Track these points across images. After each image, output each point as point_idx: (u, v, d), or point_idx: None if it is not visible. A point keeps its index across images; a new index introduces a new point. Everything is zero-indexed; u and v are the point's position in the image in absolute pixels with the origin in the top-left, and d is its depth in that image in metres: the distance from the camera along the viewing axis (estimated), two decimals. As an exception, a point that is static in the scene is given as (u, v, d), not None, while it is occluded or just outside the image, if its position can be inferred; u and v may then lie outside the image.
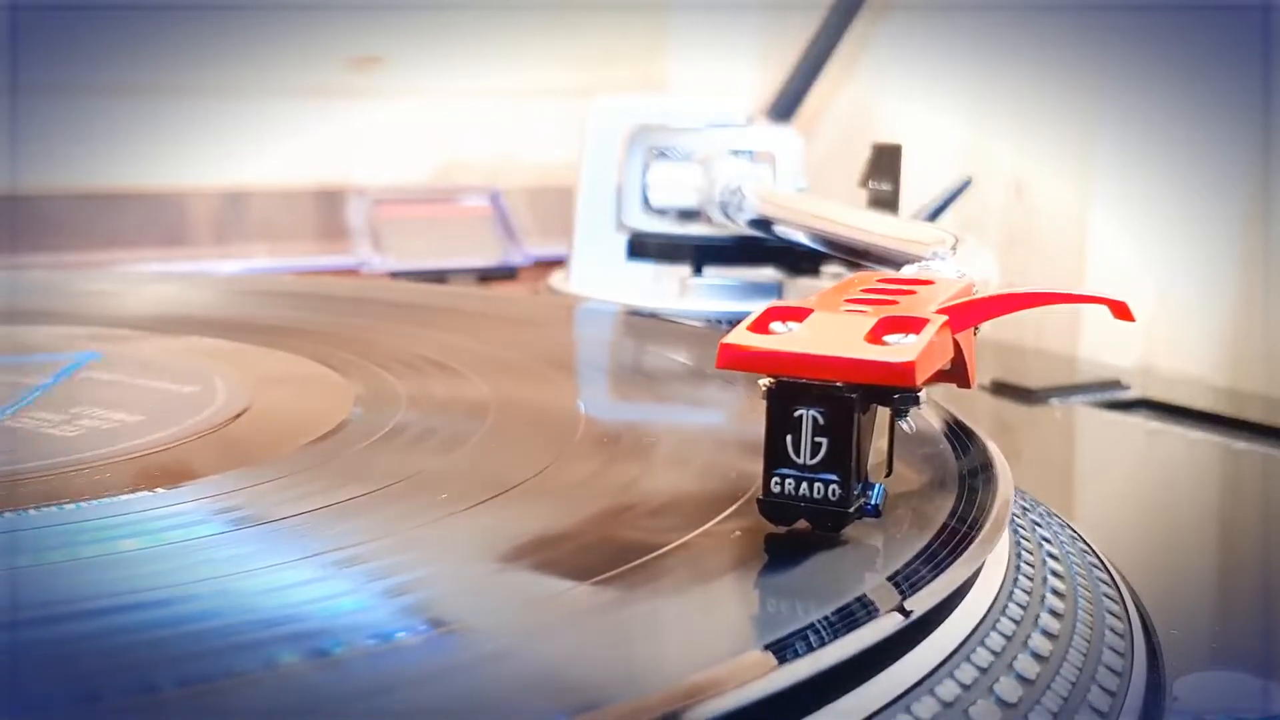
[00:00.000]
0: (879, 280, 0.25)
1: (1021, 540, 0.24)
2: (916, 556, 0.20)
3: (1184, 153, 0.53)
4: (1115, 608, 0.23)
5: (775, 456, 0.21)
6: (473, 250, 0.70)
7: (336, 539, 0.21)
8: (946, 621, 0.19)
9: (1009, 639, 0.20)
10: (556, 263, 0.65)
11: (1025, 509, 0.26)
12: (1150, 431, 0.43)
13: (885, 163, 0.48)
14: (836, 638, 0.17)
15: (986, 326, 0.24)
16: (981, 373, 0.46)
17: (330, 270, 0.67)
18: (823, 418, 0.20)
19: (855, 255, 0.37)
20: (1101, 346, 0.55)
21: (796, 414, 0.20)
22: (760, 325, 0.21)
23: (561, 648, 0.17)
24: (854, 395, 0.20)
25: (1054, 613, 0.21)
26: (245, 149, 0.69)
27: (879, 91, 0.68)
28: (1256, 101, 0.50)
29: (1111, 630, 0.22)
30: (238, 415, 0.29)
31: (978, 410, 0.44)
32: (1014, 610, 0.21)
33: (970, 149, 0.62)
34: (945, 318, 0.21)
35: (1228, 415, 0.43)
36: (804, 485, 0.20)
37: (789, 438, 0.20)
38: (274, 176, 0.70)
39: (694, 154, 0.51)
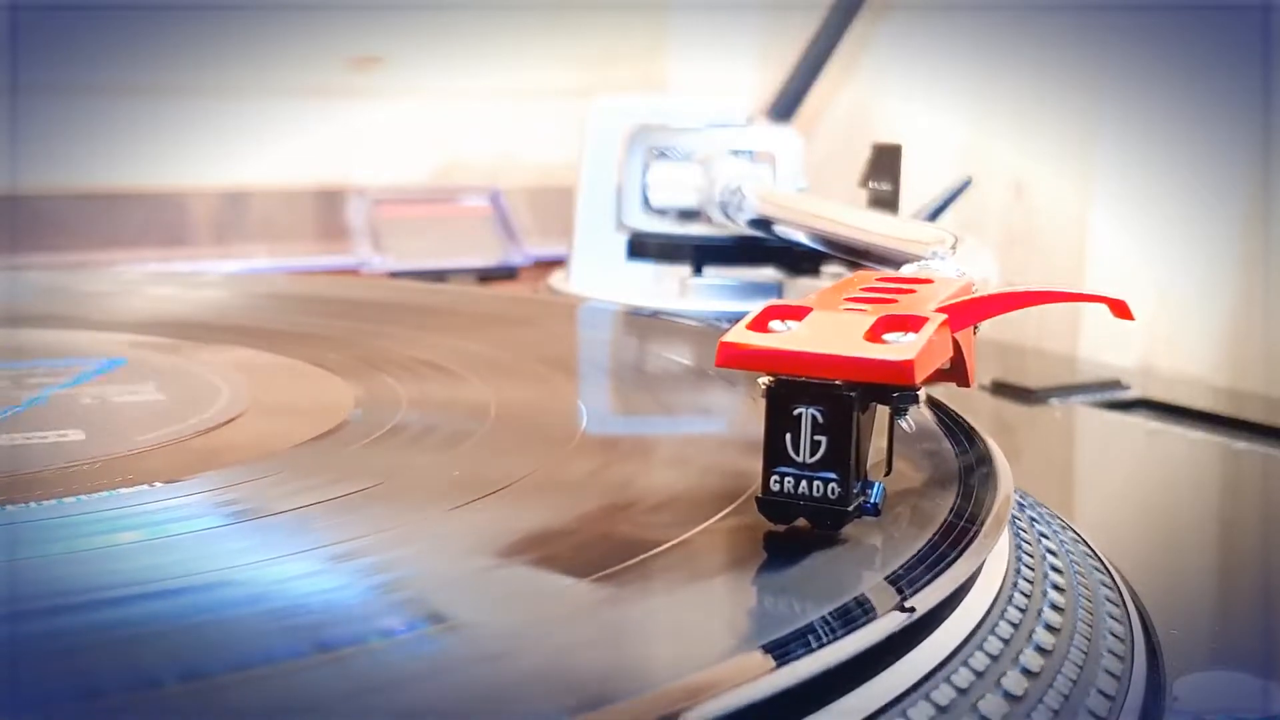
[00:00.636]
0: (878, 279, 0.25)
1: (1021, 540, 0.24)
2: (916, 555, 0.20)
3: (1184, 153, 0.53)
4: (1115, 608, 0.23)
5: (774, 455, 0.20)
6: (473, 250, 0.70)
7: (336, 535, 0.21)
8: (946, 622, 0.19)
9: (1009, 640, 0.20)
10: (556, 263, 0.65)
11: (1025, 508, 0.26)
12: (1150, 431, 0.43)
13: (885, 163, 0.48)
14: (836, 638, 0.17)
15: (986, 326, 0.24)
16: (981, 372, 0.46)
17: (330, 270, 0.67)
18: (822, 416, 0.20)
19: (855, 255, 0.37)
20: (1101, 346, 0.55)
21: (796, 412, 0.20)
22: (759, 324, 0.21)
23: (561, 645, 0.17)
24: (853, 394, 0.20)
25: (1055, 610, 0.21)
26: (245, 149, 0.69)
27: (879, 91, 0.68)
28: (1256, 101, 0.50)
29: (1112, 629, 0.22)
30: (237, 415, 0.29)
31: (978, 410, 0.44)
32: (1014, 611, 0.21)
33: (970, 149, 0.62)
34: (944, 316, 0.21)
35: (1228, 415, 0.43)
36: (803, 484, 0.20)
37: (788, 436, 0.20)
38: (274, 176, 0.70)
39: (694, 154, 0.51)
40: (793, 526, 0.21)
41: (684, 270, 0.52)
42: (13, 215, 0.64)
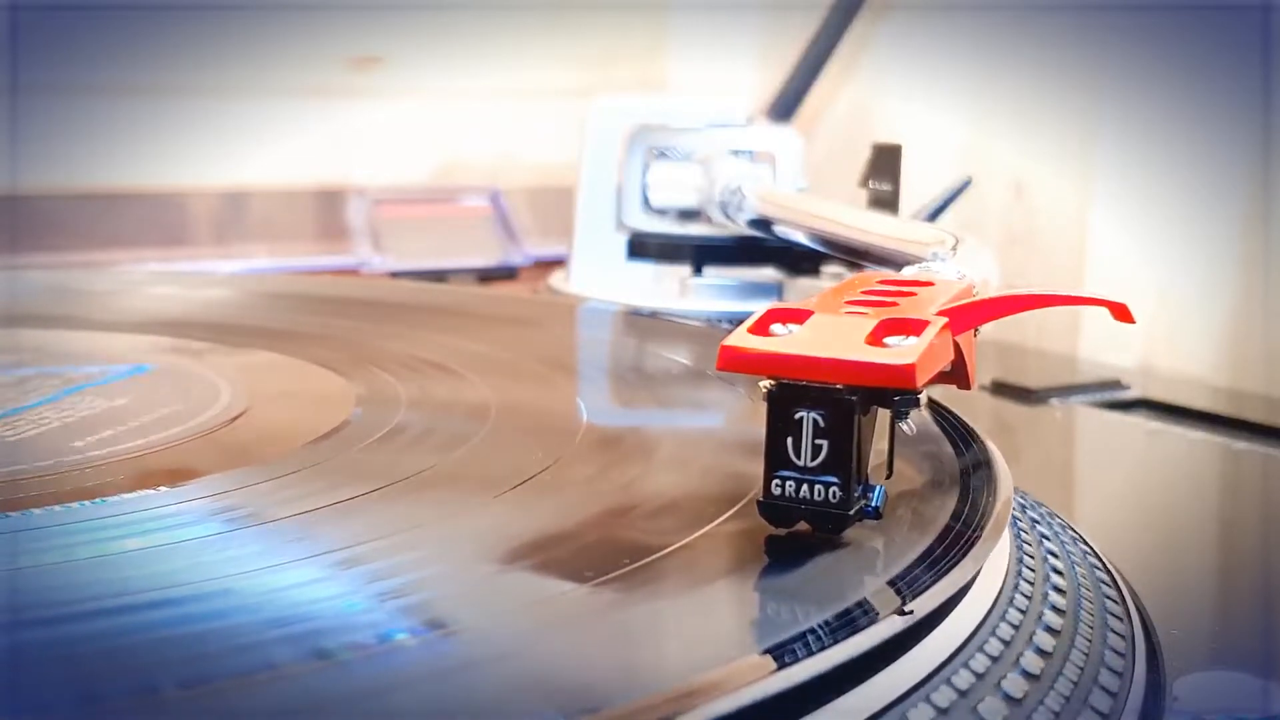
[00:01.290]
0: (879, 281, 0.25)
1: (1022, 541, 0.24)
2: (917, 559, 0.20)
3: (1184, 153, 0.53)
4: (1115, 608, 0.23)
5: (776, 458, 0.20)
6: (473, 250, 0.70)
7: (337, 539, 0.21)
8: (947, 622, 0.19)
9: (1010, 641, 0.20)
10: (556, 263, 0.65)
11: (1025, 509, 0.26)
12: (1150, 431, 0.43)
13: (885, 163, 0.48)
14: (837, 641, 0.17)
15: (987, 327, 0.24)
16: (981, 373, 0.46)
17: (330, 270, 0.67)
18: (823, 420, 0.20)
19: (855, 255, 0.37)
20: (1101, 346, 0.55)
21: (797, 416, 0.20)
22: (760, 327, 0.21)
23: (561, 649, 0.17)
24: (854, 397, 0.20)
25: (1056, 611, 0.21)
26: (245, 149, 0.69)
27: (879, 91, 0.68)
28: (1256, 101, 0.50)
29: (1112, 629, 0.22)
30: (238, 416, 0.29)
31: (978, 410, 0.44)
32: (1015, 611, 0.21)
33: (970, 149, 0.62)
34: (945, 320, 0.21)
35: (1228, 415, 0.43)
36: (804, 487, 0.20)
37: (789, 440, 0.20)
38: (274, 176, 0.70)
39: (694, 154, 0.51)
40: (794, 530, 0.21)
41: (684, 270, 0.52)
42: (13, 215, 0.64)
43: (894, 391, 0.20)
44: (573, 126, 0.62)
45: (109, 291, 0.50)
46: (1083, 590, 0.23)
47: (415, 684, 0.16)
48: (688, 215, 0.51)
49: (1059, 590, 0.22)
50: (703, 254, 0.52)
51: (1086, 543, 0.27)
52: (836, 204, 0.42)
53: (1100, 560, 0.26)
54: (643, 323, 0.45)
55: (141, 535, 0.21)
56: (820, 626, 0.18)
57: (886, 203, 0.47)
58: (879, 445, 0.22)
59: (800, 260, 0.51)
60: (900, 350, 0.20)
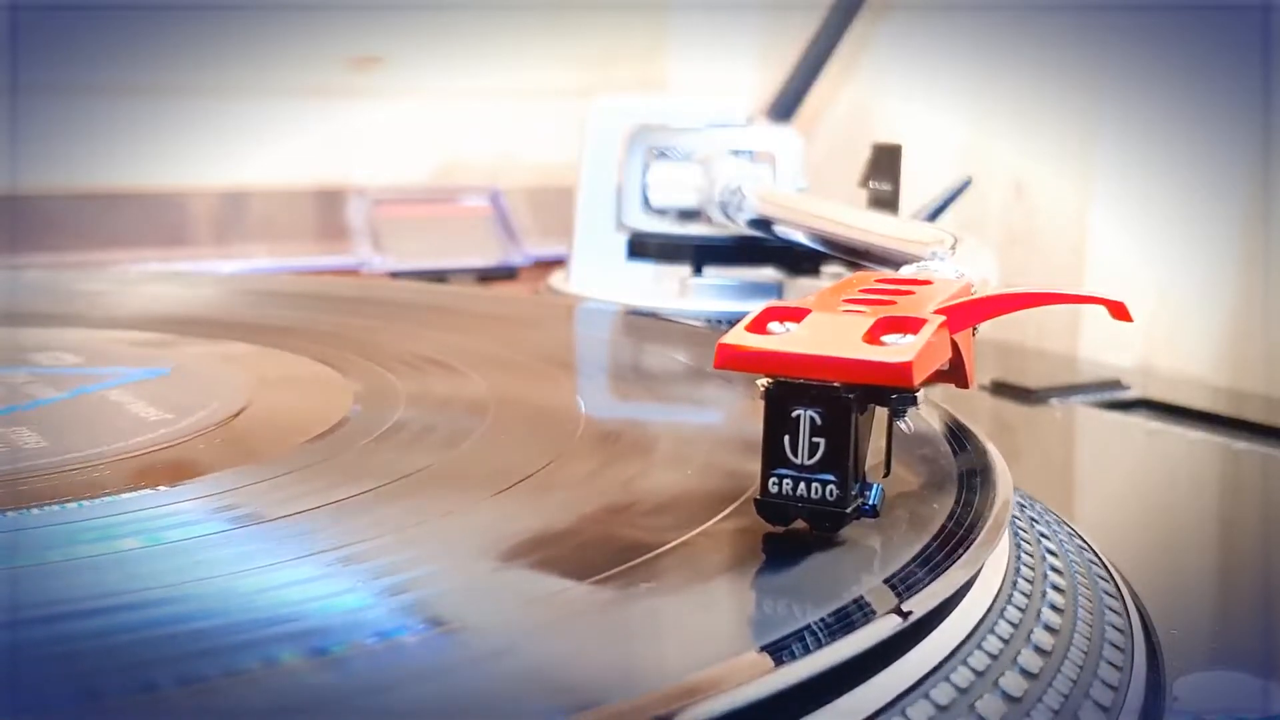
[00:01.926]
0: (877, 280, 0.25)
1: (1021, 541, 0.24)
2: (915, 558, 0.20)
3: (1184, 153, 0.53)
4: (1115, 607, 0.23)
5: (773, 457, 0.20)
6: (473, 250, 0.70)
7: (336, 537, 0.21)
8: (946, 622, 0.19)
9: (1009, 640, 0.20)
10: (556, 263, 0.65)
11: (1025, 509, 0.26)
12: (1150, 431, 0.43)
13: (885, 163, 0.48)
14: (834, 639, 0.17)
15: (986, 326, 0.24)
16: (981, 373, 0.46)
17: (330, 270, 0.67)
18: (820, 418, 0.20)
19: (855, 255, 0.37)
20: (1101, 346, 0.55)
21: (794, 414, 0.20)
22: (758, 325, 0.21)
23: (560, 647, 0.17)
24: (852, 395, 0.20)
25: (1055, 611, 0.21)
26: (245, 149, 0.69)
27: (879, 91, 0.68)
28: (1256, 101, 0.50)
29: (1112, 629, 0.22)
30: (237, 414, 0.29)
31: (978, 410, 0.44)
32: (1014, 610, 0.21)
33: (970, 149, 0.62)
34: (943, 318, 0.21)
35: (1228, 415, 0.43)
36: (802, 485, 0.20)
37: (787, 438, 0.20)
38: (274, 176, 0.70)
39: (694, 154, 0.51)
40: (791, 528, 0.21)
41: (684, 270, 0.52)
42: (13, 215, 0.64)
43: (891, 390, 0.20)
44: (573, 126, 0.62)
45: (108, 291, 0.50)
46: (1082, 590, 0.23)
47: (414, 681, 0.16)
48: (688, 215, 0.51)
49: (1058, 590, 0.22)
50: (703, 254, 0.52)
51: (1086, 543, 0.27)
52: (836, 204, 0.42)
53: (1100, 560, 0.26)
54: (642, 322, 0.45)
55: (140, 534, 0.21)
56: (818, 624, 0.17)
57: (886, 203, 0.47)
58: (877, 444, 0.22)
59: (800, 260, 0.51)
60: (898, 348, 0.20)
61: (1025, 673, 0.19)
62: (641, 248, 0.53)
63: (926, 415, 0.28)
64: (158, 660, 0.16)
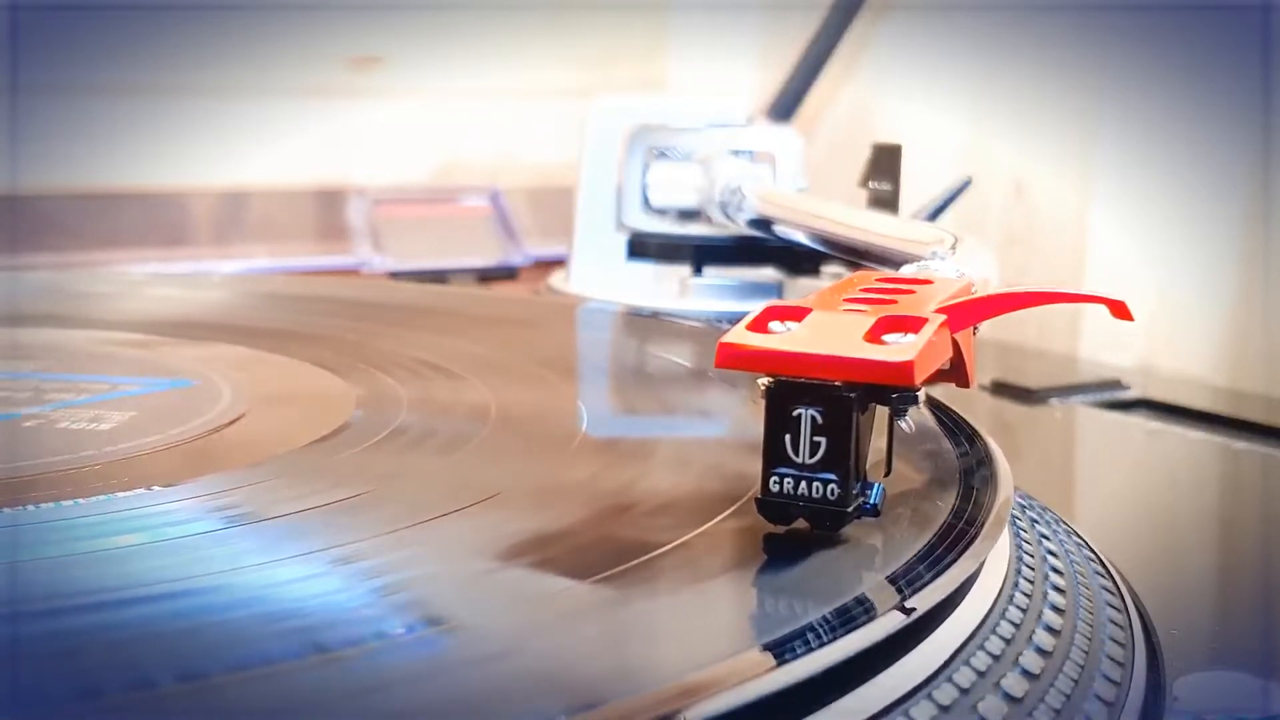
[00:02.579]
0: (878, 280, 0.25)
1: (1021, 540, 0.24)
2: (916, 556, 0.20)
3: (1184, 153, 0.53)
4: (1115, 607, 0.23)
5: (774, 456, 0.20)
6: (473, 250, 0.70)
7: (335, 536, 0.21)
8: (947, 622, 0.19)
9: (1009, 640, 0.20)
10: (556, 263, 0.65)
11: (1025, 509, 0.26)
12: (1150, 431, 0.43)
13: (885, 163, 0.48)
14: (835, 638, 0.17)
15: (986, 326, 0.24)
16: (981, 373, 0.46)
17: (330, 270, 0.67)
18: (821, 417, 0.20)
19: (855, 255, 0.37)
20: (1101, 346, 0.55)
21: (795, 413, 0.20)
22: (759, 325, 0.21)
23: (559, 646, 0.17)
24: (853, 395, 0.20)
25: (1055, 611, 0.21)
26: (245, 149, 0.69)
27: (879, 91, 0.68)
28: (1256, 101, 0.50)
29: (1112, 626, 0.22)
30: (238, 417, 0.29)
31: (978, 410, 0.44)
32: (1014, 611, 0.21)
33: (970, 149, 0.62)
34: (944, 317, 0.21)
35: (1228, 415, 0.43)
36: (803, 484, 0.20)
37: (788, 437, 0.20)
38: (274, 176, 0.70)
39: (694, 154, 0.51)
40: (792, 527, 0.21)
41: (684, 270, 0.52)
42: (13, 215, 0.64)
43: (892, 389, 0.20)
44: (573, 126, 0.62)
45: (108, 292, 0.50)
46: (1082, 590, 0.23)
47: (414, 680, 0.16)
48: (688, 215, 0.51)
49: (1058, 590, 0.22)
50: (703, 254, 0.52)
51: (1086, 542, 0.27)
52: (836, 204, 0.42)
53: (1100, 560, 0.26)
54: (643, 323, 0.45)
55: (140, 532, 0.21)
56: (819, 623, 0.17)
57: (886, 203, 0.47)
58: (877, 443, 0.22)
59: (800, 260, 0.51)
60: (899, 347, 0.20)
61: (1026, 673, 0.19)
62: (641, 248, 0.53)
63: (926, 412, 0.28)
64: (157, 657, 0.16)
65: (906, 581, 0.19)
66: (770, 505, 0.21)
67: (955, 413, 0.29)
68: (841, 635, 0.17)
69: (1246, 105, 0.50)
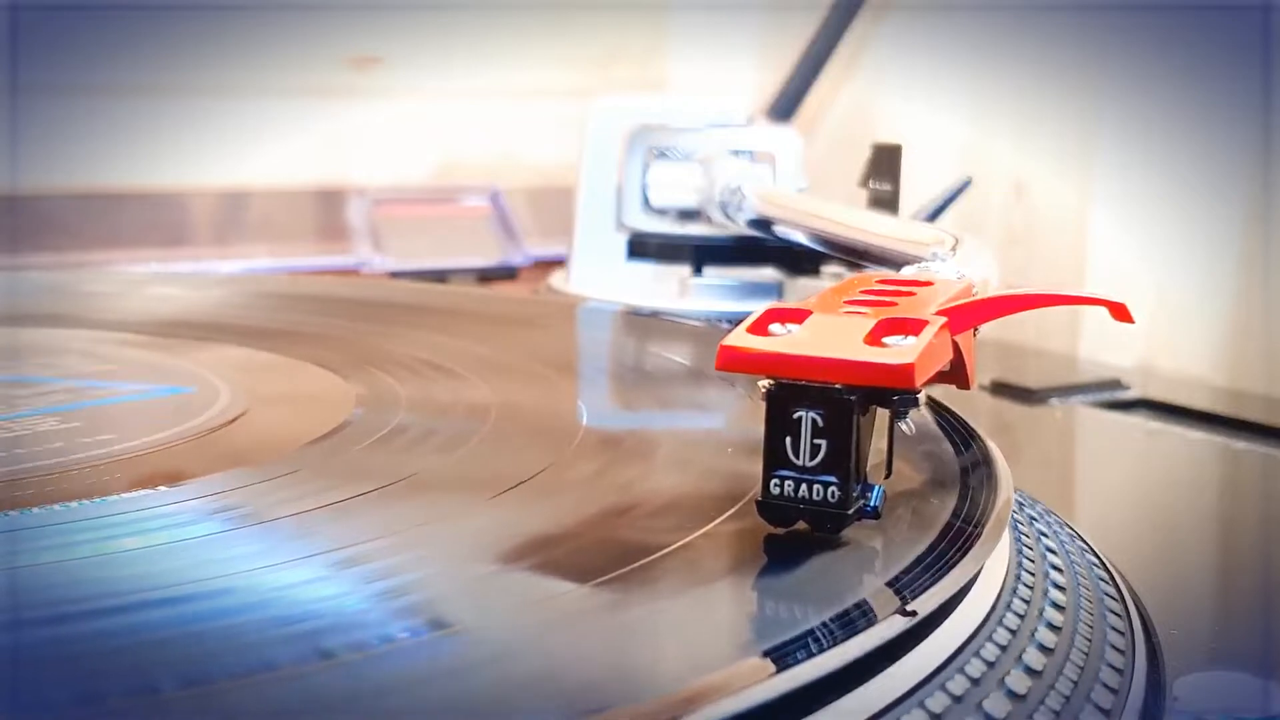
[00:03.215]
0: (878, 281, 0.25)
1: (1022, 541, 0.24)
2: (917, 559, 0.20)
3: (1184, 153, 0.53)
4: (1115, 608, 0.23)
5: (774, 458, 0.20)
6: (473, 250, 0.70)
7: (337, 539, 0.21)
8: (947, 622, 0.19)
9: (1010, 641, 0.20)
10: (556, 263, 0.65)
11: (1025, 509, 0.26)
12: (1150, 431, 0.43)
13: (885, 163, 0.48)
14: (837, 642, 0.17)
15: (986, 326, 0.24)
16: (981, 373, 0.46)
17: (330, 270, 0.67)
18: (822, 419, 0.20)
19: (855, 255, 0.37)
20: (1101, 346, 0.55)
21: (795, 416, 0.20)
22: (759, 327, 0.21)
23: (561, 650, 0.17)
24: (853, 397, 0.20)
25: (1055, 612, 0.21)
26: (245, 149, 0.69)
27: (879, 91, 0.68)
28: (1256, 101, 0.50)
29: (1112, 629, 0.22)
30: (238, 416, 0.29)
31: (978, 410, 0.44)
32: (1014, 612, 0.21)
33: (970, 149, 0.62)
34: (944, 319, 0.21)
35: (1228, 415, 0.43)
36: (803, 487, 0.20)
37: (788, 439, 0.20)
38: (274, 176, 0.70)
39: (694, 154, 0.51)
40: (793, 530, 0.21)
41: (684, 270, 0.52)
42: (13, 215, 0.64)
43: (893, 391, 0.20)
44: (573, 126, 0.62)
45: (109, 292, 0.50)
46: (1082, 590, 0.23)
47: (416, 684, 0.16)
48: (688, 215, 0.51)
49: (1059, 586, 0.22)
50: (703, 254, 0.52)
51: (1086, 543, 0.27)
52: (836, 204, 0.42)
53: (1100, 560, 0.26)
54: (643, 323, 0.45)
55: (141, 535, 0.21)
56: (820, 628, 0.17)
57: (886, 203, 0.47)
58: (878, 445, 0.22)
59: (800, 260, 0.51)
60: (899, 350, 0.20)
61: (1028, 672, 0.19)
62: (641, 248, 0.53)
63: (927, 413, 0.28)
64: (159, 662, 0.16)
65: (907, 585, 0.19)
66: (771, 508, 0.21)
67: (955, 414, 0.29)
68: (842, 640, 0.17)
69: (1246, 105, 0.50)
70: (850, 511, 0.20)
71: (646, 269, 0.53)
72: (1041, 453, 0.42)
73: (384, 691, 0.16)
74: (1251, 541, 0.33)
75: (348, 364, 0.34)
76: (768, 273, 0.52)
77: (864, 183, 0.48)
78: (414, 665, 0.16)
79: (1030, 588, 0.22)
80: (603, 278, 0.57)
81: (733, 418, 0.31)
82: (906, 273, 0.27)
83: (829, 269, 0.51)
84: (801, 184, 0.52)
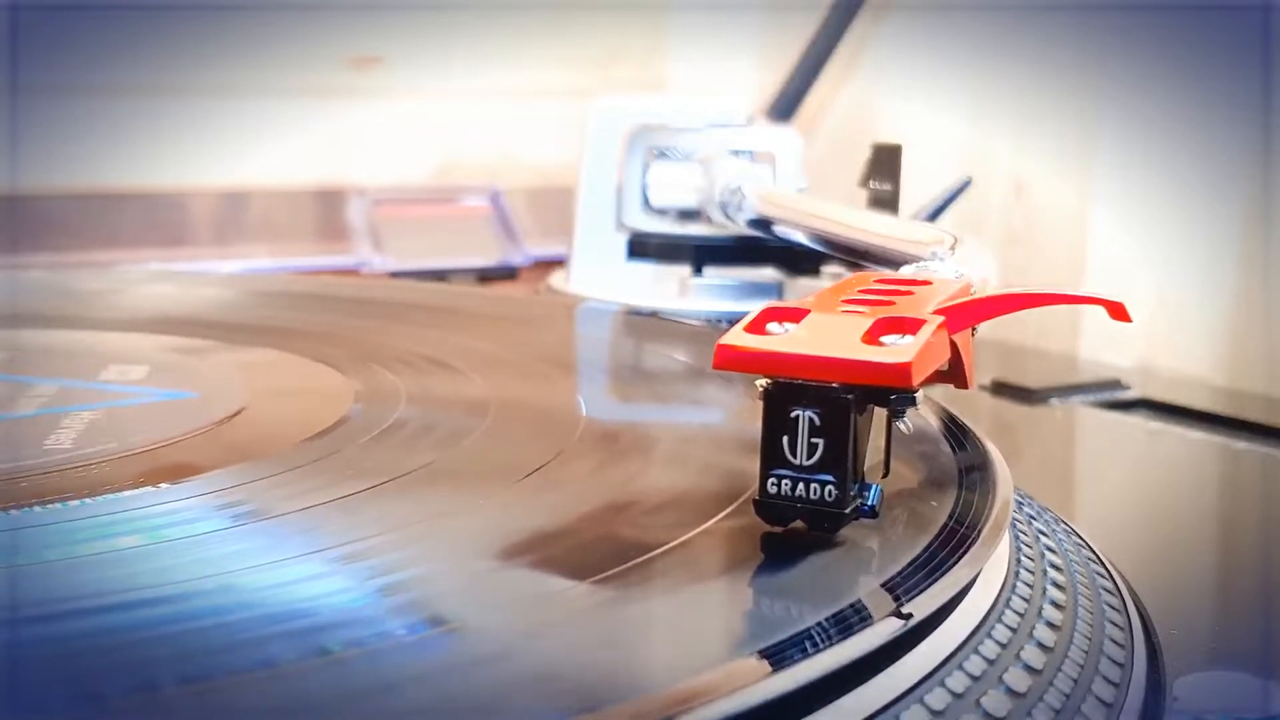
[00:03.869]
0: (876, 281, 0.25)
1: (1021, 541, 0.24)
2: (915, 558, 0.20)
3: (1184, 153, 0.53)
4: (1115, 607, 0.23)
5: (772, 457, 0.20)
6: (473, 250, 0.70)
7: (336, 535, 0.21)
8: (946, 623, 0.19)
9: (1009, 640, 0.20)
10: (556, 263, 0.65)
11: (1025, 509, 0.26)
12: (1150, 431, 0.43)
13: (885, 163, 0.47)
14: (834, 642, 0.17)
15: (986, 326, 0.24)
16: (981, 373, 0.46)
17: (330, 270, 0.67)
18: (819, 418, 0.20)
19: (855, 255, 0.37)
20: (1101, 346, 0.55)
21: (793, 415, 0.20)
22: (757, 326, 0.21)
23: (558, 648, 0.17)
24: (850, 396, 0.20)
25: (1055, 611, 0.21)
26: (245, 149, 0.69)
27: (879, 91, 0.68)
28: (1256, 101, 0.50)
29: (1112, 629, 0.22)
30: (238, 413, 0.29)
31: (978, 410, 0.44)
32: (1014, 612, 0.21)
33: (970, 149, 0.62)
34: (942, 318, 0.21)
35: (1228, 415, 0.43)
36: (800, 486, 0.20)
37: (785, 438, 0.20)
38: (274, 176, 0.70)
39: (694, 154, 0.51)
40: (790, 529, 0.21)
41: (684, 270, 0.52)
42: (13, 215, 0.64)
43: (890, 390, 0.20)
44: (573, 126, 0.62)
45: (109, 291, 0.50)
46: (1082, 590, 0.23)
47: (415, 681, 0.16)
48: (688, 215, 0.51)
49: (1059, 586, 0.22)
50: (703, 254, 0.52)
51: (1086, 543, 0.27)
52: (836, 204, 0.42)
53: (1100, 560, 0.26)
54: (643, 322, 0.45)
55: (141, 532, 0.21)
56: (818, 628, 0.17)
57: (886, 203, 0.47)
58: (876, 444, 0.22)
59: (800, 260, 0.51)
60: (896, 349, 0.20)
61: (1027, 671, 0.19)
62: (641, 248, 0.53)
63: (925, 414, 0.28)
64: (159, 659, 0.16)
65: (904, 587, 0.19)
66: (768, 507, 0.21)
67: (955, 414, 0.29)
68: (839, 641, 0.17)
69: (1246, 105, 0.50)
70: (847, 511, 0.20)
71: (646, 269, 0.53)
72: (1041, 453, 0.42)
73: (383, 688, 0.16)
74: (1251, 541, 0.33)
75: (347, 360, 0.34)
76: (768, 273, 0.52)
77: (864, 183, 0.48)
78: (412, 662, 0.16)
79: (1030, 586, 0.22)
80: (603, 278, 0.57)
81: (731, 417, 0.31)
82: (905, 272, 0.27)
83: (829, 269, 0.51)
84: (801, 184, 0.52)
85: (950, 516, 0.22)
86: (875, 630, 0.18)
